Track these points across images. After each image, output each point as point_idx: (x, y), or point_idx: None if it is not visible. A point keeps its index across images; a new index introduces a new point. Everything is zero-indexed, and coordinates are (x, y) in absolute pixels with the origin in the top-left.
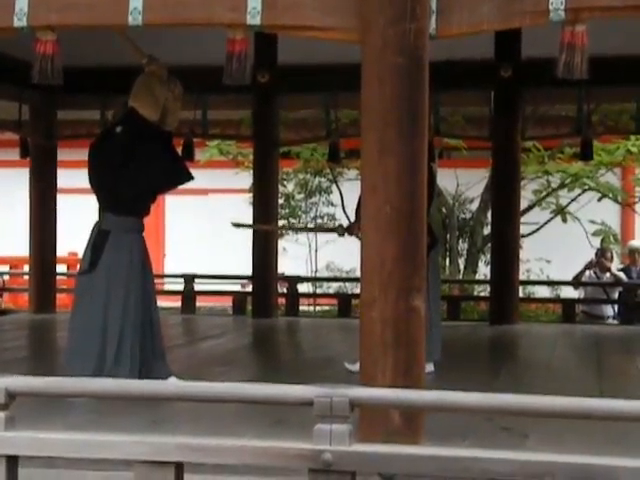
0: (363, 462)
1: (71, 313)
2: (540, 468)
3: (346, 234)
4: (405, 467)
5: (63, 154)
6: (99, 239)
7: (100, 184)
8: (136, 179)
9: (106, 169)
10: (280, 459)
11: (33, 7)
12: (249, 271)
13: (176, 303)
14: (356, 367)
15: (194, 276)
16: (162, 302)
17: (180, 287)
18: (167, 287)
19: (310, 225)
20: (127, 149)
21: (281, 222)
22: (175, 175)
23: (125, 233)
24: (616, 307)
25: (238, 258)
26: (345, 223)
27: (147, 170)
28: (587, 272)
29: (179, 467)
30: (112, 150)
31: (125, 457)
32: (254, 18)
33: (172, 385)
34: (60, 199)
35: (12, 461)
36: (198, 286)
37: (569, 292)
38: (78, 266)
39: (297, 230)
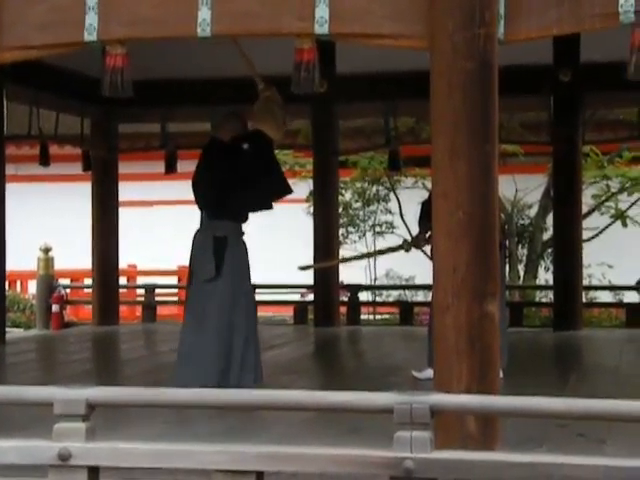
0: (444, 469)
1: (191, 320)
2: (625, 474)
3: (412, 248)
4: (486, 473)
5: (121, 167)
6: (219, 245)
7: (220, 195)
8: (260, 191)
9: (230, 182)
10: (361, 467)
11: (103, 22)
12: (308, 280)
13: None
14: (423, 374)
15: (255, 286)
16: None
17: None
18: None
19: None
20: (254, 165)
21: (340, 231)
22: (284, 189)
23: (240, 238)
24: None
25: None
26: (404, 231)
27: (268, 184)
28: None
29: (259, 476)
30: (240, 165)
31: (204, 467)
32: (322, 27)
33: (251, 393)
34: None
35: (94, 472)
36: (258, 296)
37: (632, 297)
38: (188, 276)
39: (362, 258)
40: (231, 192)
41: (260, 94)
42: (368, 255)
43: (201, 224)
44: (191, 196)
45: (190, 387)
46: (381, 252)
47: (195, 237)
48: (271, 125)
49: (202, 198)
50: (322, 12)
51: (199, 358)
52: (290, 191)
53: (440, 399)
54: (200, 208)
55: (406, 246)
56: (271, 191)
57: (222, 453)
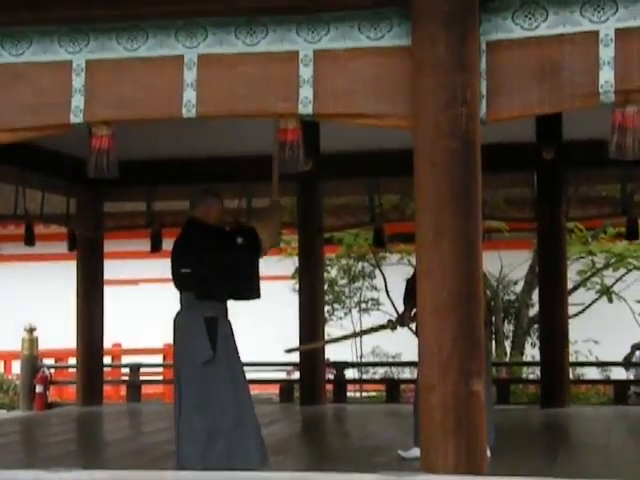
0: None
1: (187, 406)
2: None
3: (398, 326)
4: None
5: (107, 245)
6: (211, 326)
7: (209, 276)
8: (245, 279)
9: (220, 264)
10: None
11: (89, 104)
12: (294, 358)
13: None
14: (410, 454)
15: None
16: None
17: None
18: None
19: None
20: (244, 259)
21: (325, 308)
22: (254, 292)
23: (227, 318)
24: None
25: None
26: (389, 307)
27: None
28: (637, 352)
29: None
30: (231, 253)
31: None
32: (306, 107)
33: (242, 475)
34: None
35: None
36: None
37: (619, 373)
38: (176, 360)
39: (348, 338)
40: (221, 274)
41: (271, 201)
42: (354, 335)
43: (185, 305)
44: None
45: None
46: (367, 332)
47: (180, 318)
48: (269, 231)
49: (189, 278)
50: (306, 93)
51: (209, 437)
52: (257, 297)
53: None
54: (184, 289)
55: (392, 325)
56: (243, 287)
57: None
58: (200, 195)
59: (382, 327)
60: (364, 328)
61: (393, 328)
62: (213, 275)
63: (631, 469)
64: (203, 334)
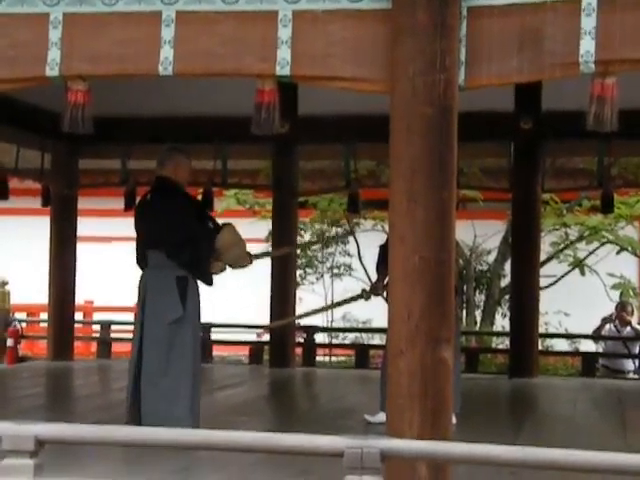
0: None
1: (150, 365)
2: None
3: (372, 296)
4: None
5: (80, 202)
6: (182, 285)
7: (178, 240)
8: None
9: (193, 228)
10: None
11: (65, 57)
12: (265, 320)
13: None
14: (376, 418)
15: (211, 325)
16: None
17: None
18: None
19: (331, 299)
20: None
21: (298, 272)
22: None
23: (195, 280)
24: (637, 361)
25: (254, 307)
26: (362, 273)
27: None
28: (607, 326)
29: None
30: (199, 226)
31: None
32: (284, 69)
33: (201, 433)
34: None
35: None
36: (214, 335)
37: (588, 346)
38: (141, 315)
39: (321, 311)
40: (187, 240)
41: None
42: (327, 308)
43: (154, 263)
44: None
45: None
46: (340, 303)
47: (149, 276)
48: (234, 253)
49: (160, 236)
50: (284, 54)
51: (168, 398)
52: (208, 282)
53: (391, 444)
54: (152, 247)
55: (365, 295)
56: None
57: None
58: (168, 153)
59: (356, 298)
60: (337, 300)
61: (367, 298)
62: (182, 238)
63: (593, 440)
64: (174, 292)
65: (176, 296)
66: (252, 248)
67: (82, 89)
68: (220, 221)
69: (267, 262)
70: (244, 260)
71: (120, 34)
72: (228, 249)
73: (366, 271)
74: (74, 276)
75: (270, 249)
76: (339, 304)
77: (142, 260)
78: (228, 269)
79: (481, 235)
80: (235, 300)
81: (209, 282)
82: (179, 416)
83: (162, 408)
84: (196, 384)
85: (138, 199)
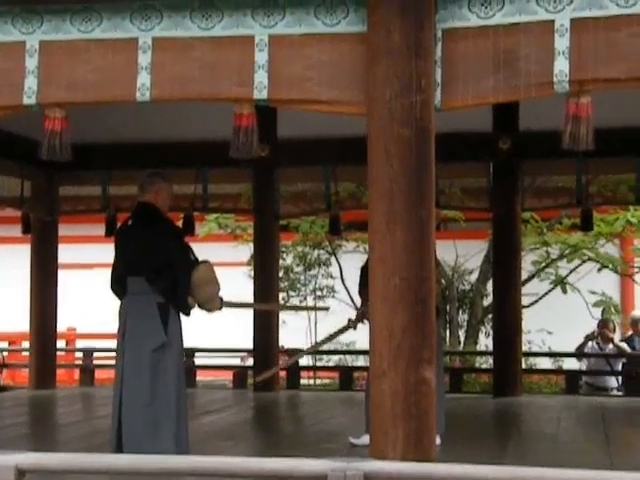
0: None
1: (130, 394)
2: None
3: (359, 324)
4: None
5: (61, 230)
6: (163, 312)
7: (163, 262)
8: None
9: (172, 252)
10: None
11: (42, 85)
12: (249, 344)
13: None
14: (360, 441)
15: (195, 350)
16: None
17: None
18: None
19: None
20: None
21: (281, 295)
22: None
23: (176, 311)
24: (620, 378)
25: (237, 331)
26: (344, 295)
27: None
28: (590, 343)
29: None
30: (178, 255)
31: None
32: (261, 93)
33: (185, 460)
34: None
35: None
36: (198, 360)
37: (572, 363)
38: (122, 343)
39: (312, 351)
40: (172, 263)
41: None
42: (317, 345)
43: (134, 290)
44: None
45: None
46: (329, 339)
47: (130, 302)
48: (205, 293)
49: (140, 262)
50: (261, 78)
51: (151, 429)
52: (185, 312)
53: (374, 466)
54: (133, 273)
55: (352, 324)
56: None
57: None
58: (149, 179)
59: (343, 329)
60: (323, 337)
61: (355, 327)
62: (161, 263)
63: (578, 457)
64: (156, 319)
65: (158, 322)
66: (235, 272)
67: (59, 116)
68: (199, 254)
69: (249, 285)
70: (214, 302)
71: (97, 61)
72: (201, 286)
73: (349, 292)
74: (55, 303)
75: (252, 275)
76: (328, 339)
77: (121, 287)
78: (196, 308)
79: (463, 255)
80: (218, 324)
81: (186, 311)
82: (163, 448)
83: (145, 439)
84: (182, 410)
85: (119, 225)
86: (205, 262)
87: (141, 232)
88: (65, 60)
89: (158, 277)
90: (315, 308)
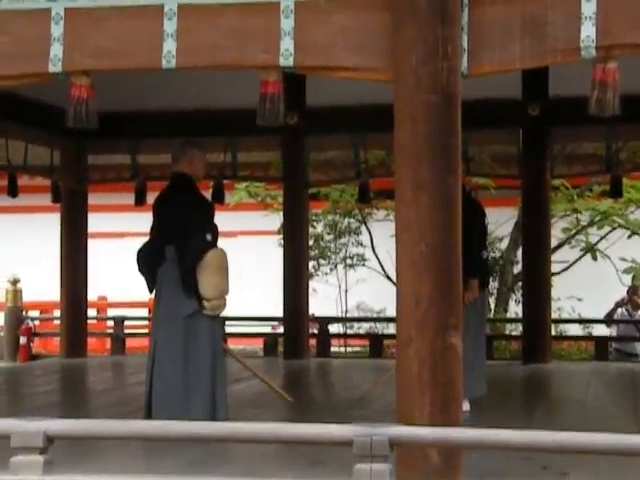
0: None
1: (164, 360)
2: None
3: None
4: None
5: (91, 198)
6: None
7: (191, 231)
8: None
9: (199, 221)
10: None
11: (68, 53)
12: (279, 312)
13: None
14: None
15: (225, 318)
16: None
17: None
18: None
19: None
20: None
21: (311, 263)
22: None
23: None
24: None
25: (268, 299)
26: (375, 263)
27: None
28: (619, 310)
29: None
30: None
31: None
32: (287, 60)
33: (212, 426)
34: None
35: None
36: (228, 328)
37: (601, 330)
38: (157, 310)
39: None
40: (196, 231)
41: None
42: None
43: (170, 258)
44: None
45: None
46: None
47: (165, 271)
48: (210, 282)
49: (173, 231)
50: (287, 45)
51: (187, 392)
52: (189, 292)
53: (399, 431)
54: (166, 242)
55: None
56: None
57: None
58: (181, 148)
59: None
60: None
61: None
62: (192, 230)
63: (607, 422)
64: (189, 287)
65: (191, 290)
66: (265, 241)
67: (85, 84)
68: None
69: (279, 254)
70: (219, 290)
71: (122, 28)
72: (210, 268)
73: (379, 261)
74: (86, 272)
75: (282, 243)
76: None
77: (156, 256)
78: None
79: (493, 222)
80: (250, 293)
81: (189, 284)
82: (192, 414)
83: (175, 408)
84: (218, 378)
85: (156, 195)
86: (220, 249)
87: (173, 202)
88: (90, 27)
89: (183, 245)
90: (282, 394)
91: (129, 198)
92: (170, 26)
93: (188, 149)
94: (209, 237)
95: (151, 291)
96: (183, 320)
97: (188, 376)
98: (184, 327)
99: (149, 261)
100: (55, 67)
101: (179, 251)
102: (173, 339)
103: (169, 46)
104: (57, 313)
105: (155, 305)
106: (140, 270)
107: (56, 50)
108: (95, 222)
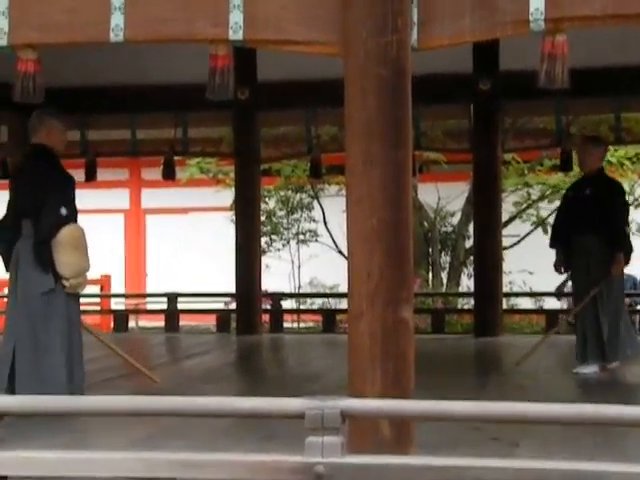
0: (356, 474)
1: (22, 336)
2: (533, 475)
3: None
4: (398, 477)
5: None
6: (46, 253)
7: (46, 201)
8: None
9: (55, 193)
10: (273, 473)
11: (14, 26)
12: (232, 288)
13: (159, 322)
14: (588, 369)
15: (177, 294)
16: (146, 321)
17: (163, 306)
18: (150, 306)
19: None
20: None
21: (263, 239)
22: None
23: None
24: None
25: (220, 276)
26: (327, 239)
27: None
28: (569, 283)
29: None
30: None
31: (116, 475)
32: (236, 33)
33: (164, 400)
34: None
35: None
36: (181, 305)
37: (552, 303)
38: (14, 287)
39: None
40: (52, 204)
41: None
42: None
43: (26, 233)
44: (113, 204)
45: None
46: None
47: (22, 246)
48: (72, 258)
49: (29, 204)
50: (236, 18)
51: (41, 371)
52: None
53: (351, 404)
54: (23, 216)
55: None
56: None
57: (134, 460)
58: (38, 118)
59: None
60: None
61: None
62: (48, 201)
63: (556, 394)
64: (45, 262)
65: (48, 267)
66: (217, 217)
67: (32, 58)
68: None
69: (232, 231)
70: (77, 268)
71: (69, 1)
72: (66, 245)
73: (331, 236)
74: None
75: (234, 219)
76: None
77: (16, 231)
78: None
79: (445, 197)
80: (201, 270)
81: (42, 258)
82: (52, 391)
83: (35, 383)
84: (75, 356)
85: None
86: (76, 225)
87: (30, 173)
88: (37, 0)
89: (38, 218)
90: (147, 374)
91: (79, 174)
92: None
93: (46, 119)
94: (64, 211)
95: (7, 269)
96: (40, 296)
97: (45, 354)
98: (41, 304)
99: (5, 236)
100: (1, 41)
101: (35, 225)
102: (30, 316)
103: (117, 19)
104: None
105: (10, 282)
106: None
107: (2, 23)
108: None
